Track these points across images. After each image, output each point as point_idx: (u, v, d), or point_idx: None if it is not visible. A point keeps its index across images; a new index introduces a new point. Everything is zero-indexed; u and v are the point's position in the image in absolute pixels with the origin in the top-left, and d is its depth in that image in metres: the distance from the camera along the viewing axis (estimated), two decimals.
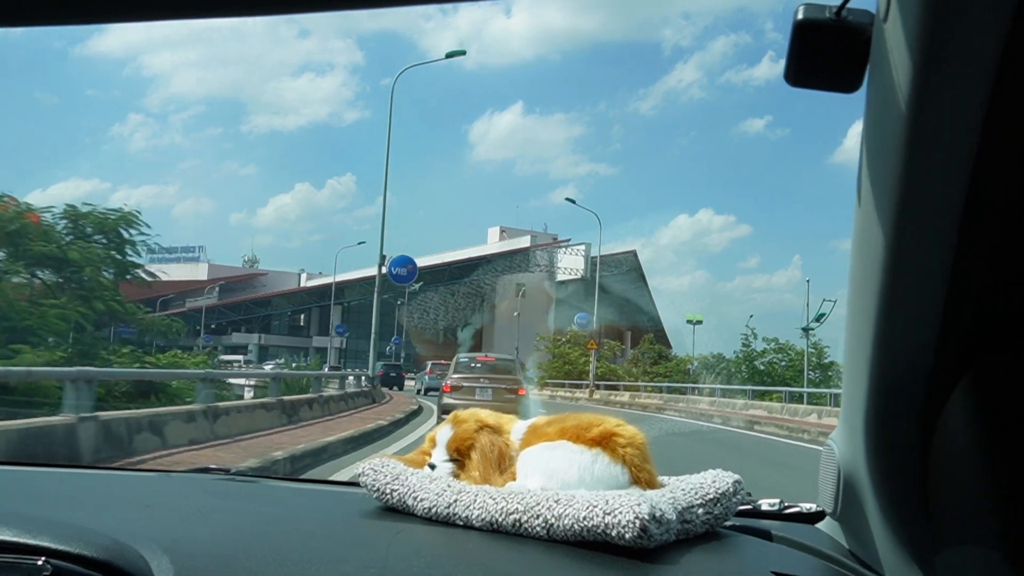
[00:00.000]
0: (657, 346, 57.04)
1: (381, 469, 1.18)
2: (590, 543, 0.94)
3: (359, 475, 1.19)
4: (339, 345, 69.54)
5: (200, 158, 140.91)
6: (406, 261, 30.23)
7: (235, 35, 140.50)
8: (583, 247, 70.26)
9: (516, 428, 1.24)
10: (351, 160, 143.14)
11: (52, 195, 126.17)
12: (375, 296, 28.78)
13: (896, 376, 0.82)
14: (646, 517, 0.91)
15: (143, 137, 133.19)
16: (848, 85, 0.72)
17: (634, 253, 73.05)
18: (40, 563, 0.81)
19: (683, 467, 1.33)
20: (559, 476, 1.09)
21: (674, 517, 0.99)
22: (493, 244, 76.56)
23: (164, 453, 8.53)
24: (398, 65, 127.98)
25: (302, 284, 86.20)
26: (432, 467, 1.22)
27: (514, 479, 1.14)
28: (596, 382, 41.43)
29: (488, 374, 14.48)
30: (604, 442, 1.12)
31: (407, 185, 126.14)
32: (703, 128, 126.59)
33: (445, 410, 12.61)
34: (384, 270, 27.81)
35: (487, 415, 1.26)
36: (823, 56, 0.70)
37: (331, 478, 5.25)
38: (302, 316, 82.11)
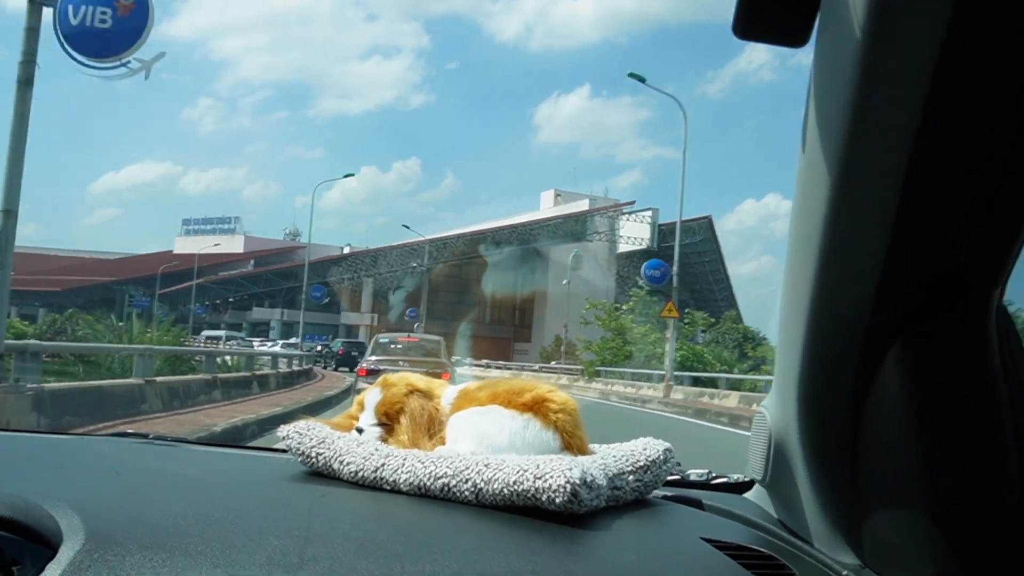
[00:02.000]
0: (741, 326, 45.69)
1: (306, 432, 1.13)
2: (519, 508, 0.93)
3: (283, 438, 1.13)
4: (371, 323, 60.99)
5: (267, 141, 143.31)
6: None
7: (302, 19, 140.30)
8: (649, 213, 60.33)
9: (447, 393, 1.20)
10: (416, 143, 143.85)
11: (125, 176, 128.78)
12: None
13: (829, 343, 0.83)
14: (577, 481, 0.90)
15: (213, 121, 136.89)
16: (796, 39, 0.70)
17: (709, 220, 62.93)
18: None
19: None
20: (489, 441, 1.07)
21: (604, 483, 0.99)
22: (547, 209, 66.69)
23: (97, 427, 8.02)
24: (464, 49, 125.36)
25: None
26: (360, 431, 1.18)
27: (444, 444, 1.12)
28: (676, 372, 25.90)
29: (409, 356, 13.47)
30: (536, 407, 1.09)
31: (469, 168, 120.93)
32: (772, 111, 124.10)
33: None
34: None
35: (417, 379, 1.22)
36: (772, 8, 0.68)
37: (252, 444, 5.07)
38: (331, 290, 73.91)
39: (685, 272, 44.32)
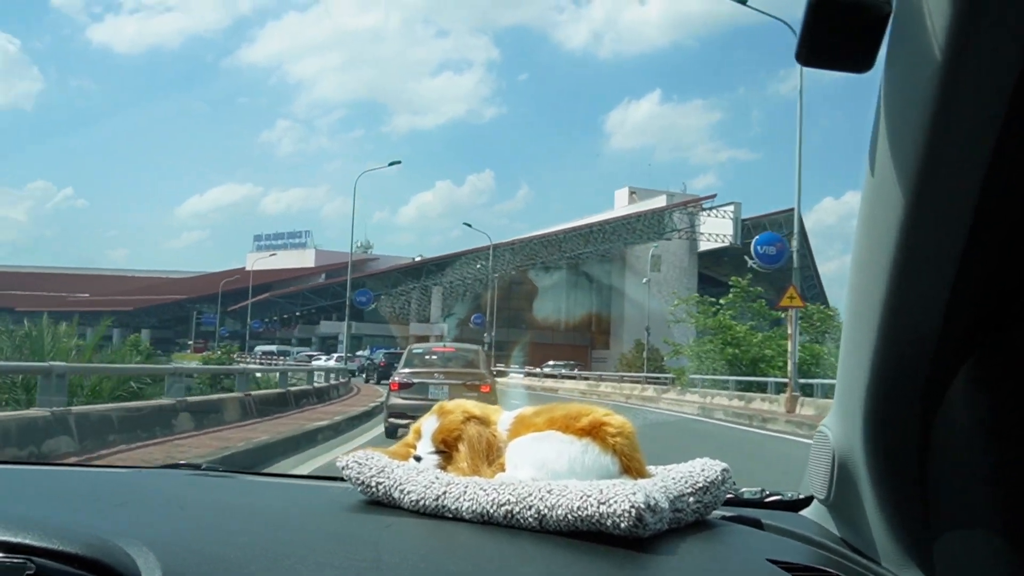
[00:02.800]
0: (838, 323, 40.90)
1: (365, 462, 1.15)
2: (583, 533, 0.94)
3: (342, 468, 1.16)
4: (441, 333, 58.31)
5: (345, 159, 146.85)
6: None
7: (373, 38, 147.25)
8: (731, 207, 56.29)
9: (503, 419, 1.21)
10: (490, 156, 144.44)
11: (209, 199, 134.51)
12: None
13: (897, 359, 0.83)
14: (641, 506, 0.91)
15: (291, 142, 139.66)
16: (859, 65, 0.70)
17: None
18: (23, 562, 0.78)
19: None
20: (549, 466, 1.08)
21: (667, 506, 1.00)
22: (621, 208, 63.05)
23: (129, 448, 8.55)
24: (534, 60, 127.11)
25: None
26: (418, 459, 1.18)
27: (503, 470, 1.13)
28: (800, 380, 20.23)
29: (444, 368, 12.42)
30: (594, 432, 1.10)
31: (543, 177, 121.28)
32: (848, 108, 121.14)
33: (393, 412, 11.49)
34: None
35: (473, 405, 1.23)
36: (837, 35, 0.69)
37: (309, 472, 5.19)
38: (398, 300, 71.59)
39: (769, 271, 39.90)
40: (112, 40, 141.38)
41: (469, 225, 57.46)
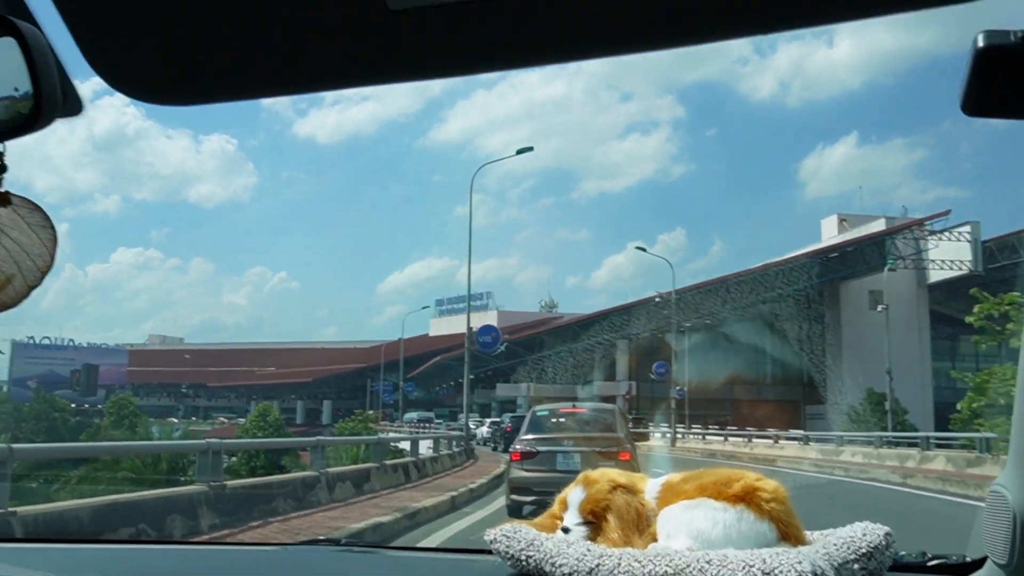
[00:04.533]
0: None
1: (514, 535, 1.14)
2: None
3: (491, 542, 1.17)
4: (627, 392, 51.85)
5: (535, 228, 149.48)
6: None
7: (559, 108, 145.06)
8: (967, 228, 46.41)
9: (650, 486, 1.21)
10: (680, 213, 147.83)
11: (408, 274, 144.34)
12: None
13: None
14: None
15: (483, 214, 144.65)
16: None
17: None
18: None
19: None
20: (704, 535, 1.06)
21: (832, 574, 0.98)
22: (830, 238, 54.34)
23: (270, 521, 9.04)
24: (720, 115, 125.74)
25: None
26: (566, 531, 1.17)
27: (654, 540, 1.11)
28: None
29: (575, 433, 10.86)
30: (747, 498, 1.08)
31: (736, 232, 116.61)
32: None
33: (515, 487, 10.36)
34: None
35: (619, 474, 1.23)
36: (1007, 83, 0.67)
37: (457, 546, 4.72)
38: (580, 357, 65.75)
39: None
40: (315, 132, 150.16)
41: (643, 249, 50.02)
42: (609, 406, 13.05)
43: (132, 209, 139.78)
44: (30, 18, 0.81)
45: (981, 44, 0.64)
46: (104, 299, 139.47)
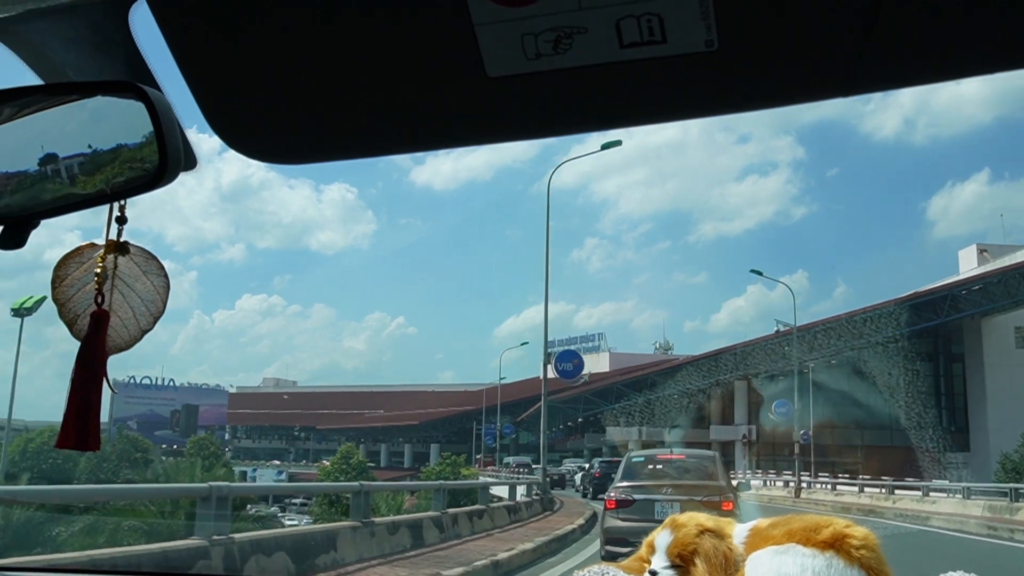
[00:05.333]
0: None
1: None
2: None
3: None
4: (745, 436, 48.86)
5: (652, 272, 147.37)
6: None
7: (674, 151, 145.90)
8: None
9: (738, 531, 1.20)
10: (802, 256, 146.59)
11: (525, 319, 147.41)
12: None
13: None
14: None
15: (599, 258, 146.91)
16: None
17: None
18: None
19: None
20: None
21: None
22: (968, 270, 50.05)
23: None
24: (842, 154, 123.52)
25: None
26: (653, 574, 1.19)
27: None
28: None
29: (673, 480, 10.35)
30: (837, 544, 1.07)
31: (860, 275, 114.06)
32: None
33: (610, 538, 9.92)
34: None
35: (706, 518, 1.23)
36: None
37: None
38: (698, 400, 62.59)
39: None
40: (432, 180, 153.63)
41: (759, 273, 46.30)
42: (709, 452, 12.70)
43: (256, 257, 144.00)
44: (152, 80, 0.87)
45: None
46: (229, 344, 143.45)
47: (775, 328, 43.38)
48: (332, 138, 0.79)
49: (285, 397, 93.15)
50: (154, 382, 74.57)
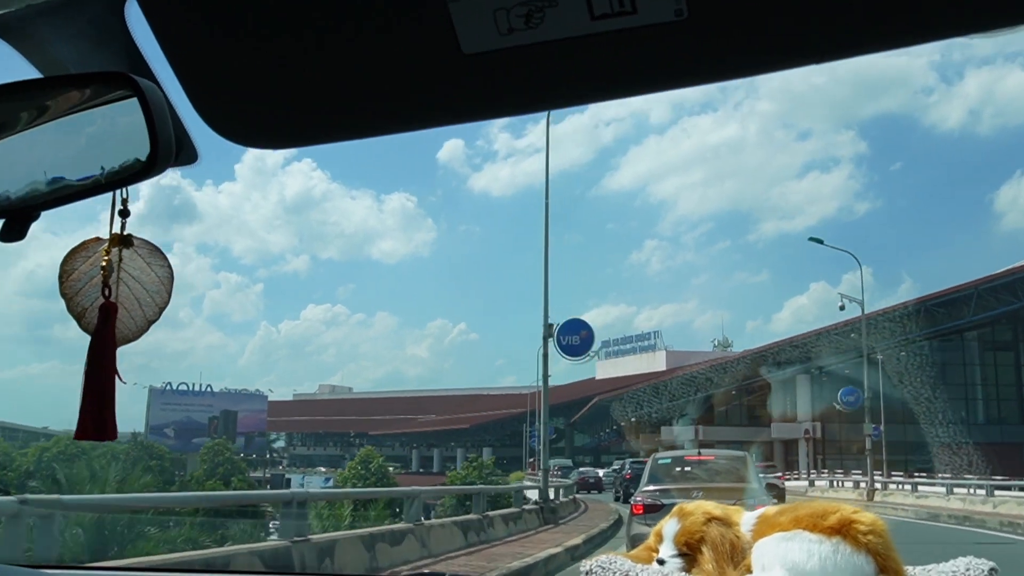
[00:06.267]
0: None
1: (609, 566, 1.17)
2: None
3: (586, 573, 1.18)
4: (807, 433, 45.84)
5: (712, 272, 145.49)
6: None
7: (733, 150, 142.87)
8: None
9: (745, 519, 1.21)
10: (865, 252, 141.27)
11: (588, 320, 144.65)
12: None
13: None
14: None
15: (658, 260, 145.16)
16: None
17: None
18: None
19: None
20: (799, 568, 1.06)
21: None
22: None
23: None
24: (906, 147, 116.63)
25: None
26: (661, 562, 1.20)
27: (749, 572, 1.12)
28: None
29: (703, 483, 10.01)
30: (844, 530, 1.07)
31: (927, 270, 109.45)
32: None
33: (635, 543, 3.77)
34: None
35: (713, 506, 1.24)
36: None
37: None
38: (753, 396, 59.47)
39: None
40: (489, 186, 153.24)
41: (820, 241, 41.85)
42: (739, 453, 11.97)
43: (319, 267, 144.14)
44: (149, 73, 0.89)
45: None
46: (295, 354, 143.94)
47: (840, 304, 39.57)
48: (314, 122, 0.79)
49: (327, 403, 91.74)
50: (191, 387, 72.15)
